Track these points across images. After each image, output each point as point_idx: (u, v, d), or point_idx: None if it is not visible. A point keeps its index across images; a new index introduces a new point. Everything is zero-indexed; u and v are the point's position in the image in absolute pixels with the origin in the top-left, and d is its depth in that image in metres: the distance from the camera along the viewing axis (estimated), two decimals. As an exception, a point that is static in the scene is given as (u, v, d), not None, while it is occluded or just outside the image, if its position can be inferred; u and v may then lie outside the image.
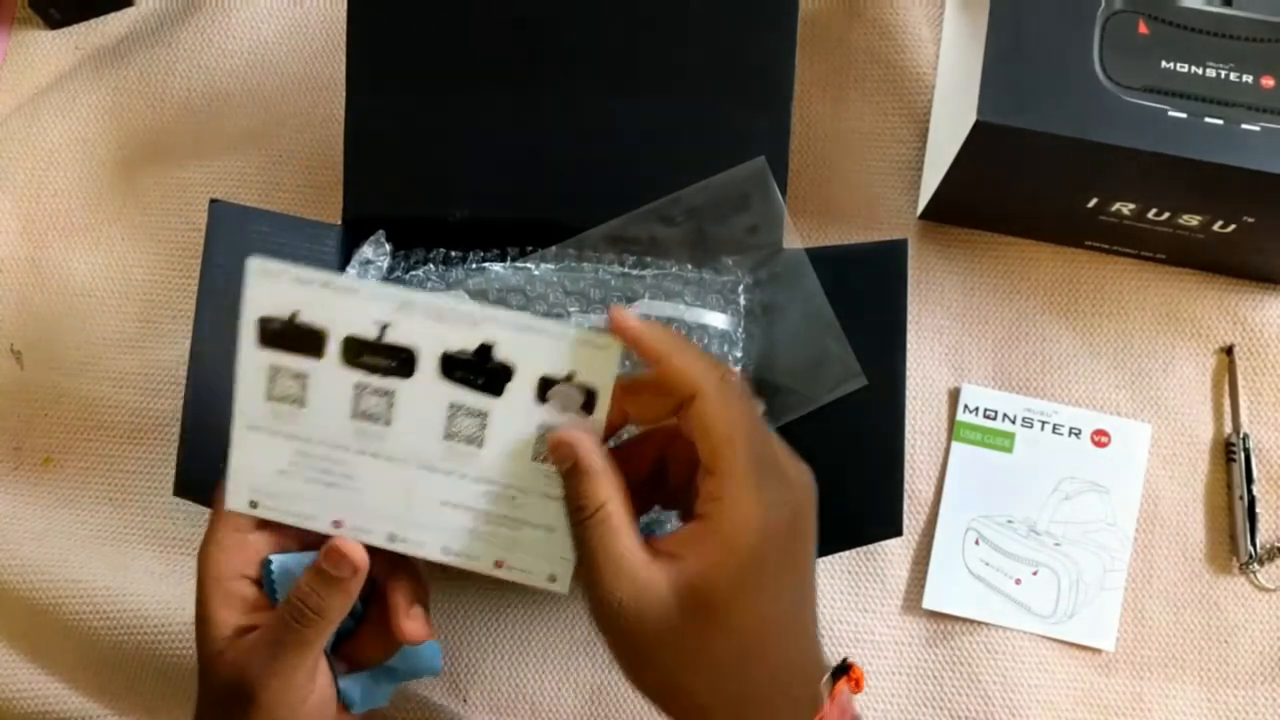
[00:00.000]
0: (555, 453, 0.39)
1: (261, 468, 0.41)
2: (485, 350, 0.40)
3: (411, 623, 0.42)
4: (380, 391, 0.40)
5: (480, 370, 0.40)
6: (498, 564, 0.41)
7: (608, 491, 0.38)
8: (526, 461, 0.40)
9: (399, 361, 0.40)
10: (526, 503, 0.41)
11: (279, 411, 0.41)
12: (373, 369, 0.40)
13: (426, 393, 0.40)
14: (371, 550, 0.41)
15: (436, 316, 0.40)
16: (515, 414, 0.40)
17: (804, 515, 0.38)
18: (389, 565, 0.43)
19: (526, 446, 0.40)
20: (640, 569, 0.37)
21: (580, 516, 0.38)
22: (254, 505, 0.42)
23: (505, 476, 0.41)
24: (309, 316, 0.40)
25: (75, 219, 0.65)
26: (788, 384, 0.53)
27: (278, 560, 0.42)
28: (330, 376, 0.40)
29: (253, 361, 0.41)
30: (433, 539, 0.41)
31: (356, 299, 0.40)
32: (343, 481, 0.41)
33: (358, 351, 0.40)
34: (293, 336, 0.40)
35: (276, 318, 0.40)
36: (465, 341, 0.40)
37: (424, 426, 0.41)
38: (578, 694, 0.57)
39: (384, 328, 0.40)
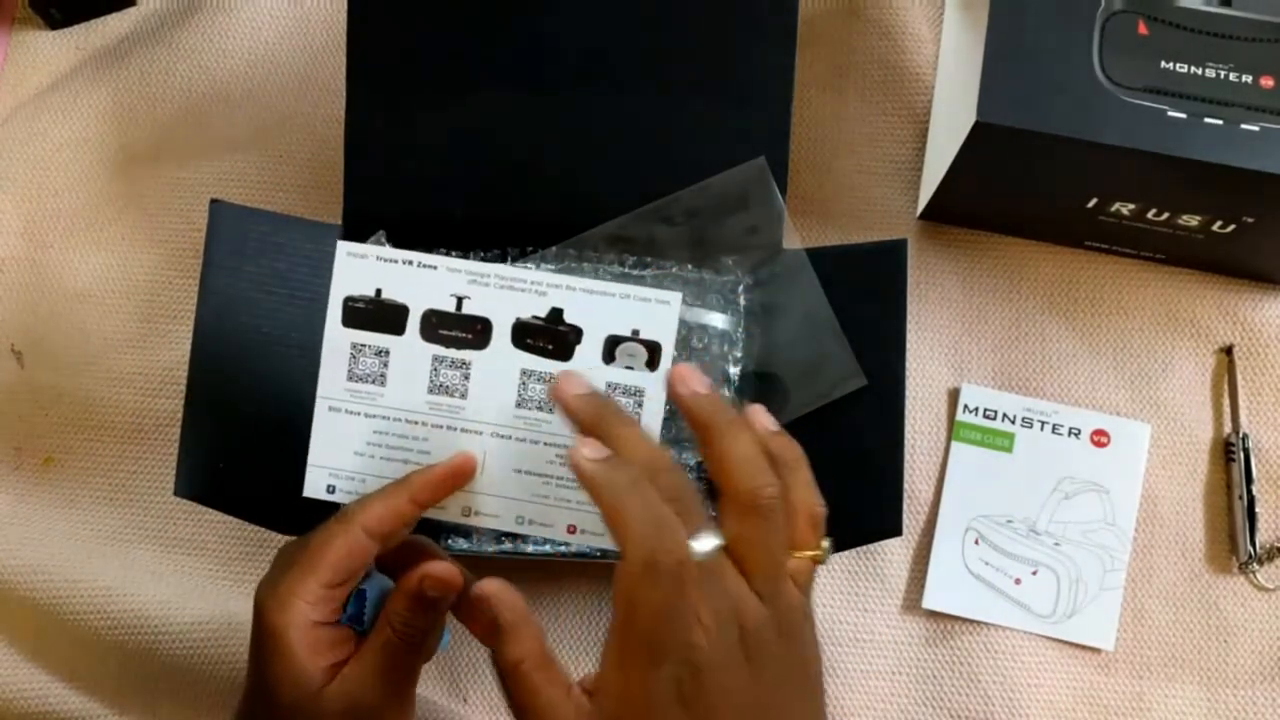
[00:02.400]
0: (479, 606, 0.39)
1: (340, 450, 0.44)
2: (557, 314, 0.43)
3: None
4: (456, 364, 0.43)
5: (550, 335, 0.43)
6: (570, 529, 0.44)
7: (525, 647, 0.38)
8: None
9: (474, 333, 0.43)
10: None
11: (358, 391, 0.44)
12: (449, 342, 0.43)
13: (500, 362, 0.43)
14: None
15: (509, 286, 0.43)
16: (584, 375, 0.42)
17: (695, 679, 0.36)
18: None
19: None
20: (563, 716, 0.38)
21: (500, 673, 0.39)
22: (331, 490, 0.44)
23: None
24: (392, 293, 0.43)
25: (75, 219, 0.65)
26: (788, 384, 0.53)
27: (373, 589, 0.43)
28: (410, 351, 0.44)
29: (337, 342, 0.44)
30: (507, 510, 0.43)
31: (436, 274, 0.43)
32: (419, 459, 0.44)
33: (436, 325, 0.43)
34: (376, 315, 0.43)
35: (361, 297, 0.43)
36: (536, 308, 0.43)
37: (498, 396, 0.43)
38: (578, 694, 0.57)
39: (461, 300, 0.43)
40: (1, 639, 0.59)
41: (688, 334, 0.54)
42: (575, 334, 0.43)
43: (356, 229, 0.55)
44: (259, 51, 0.66)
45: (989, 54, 0.49)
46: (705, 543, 0.37)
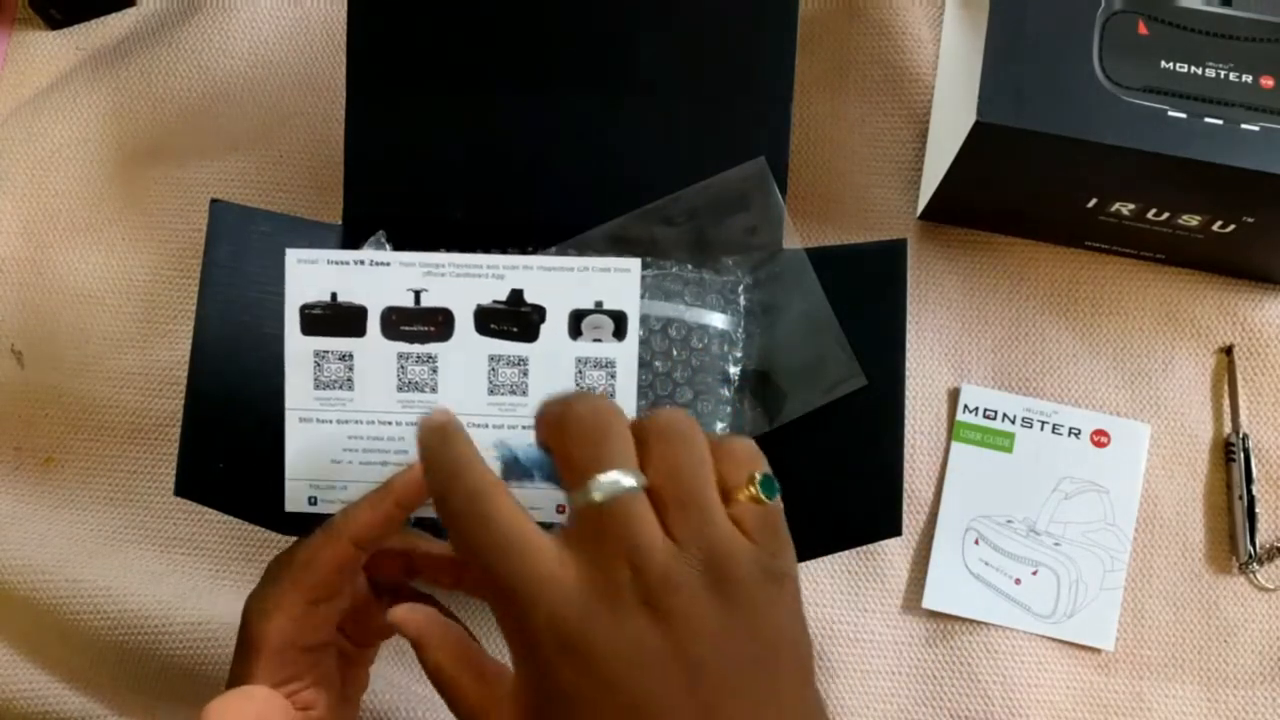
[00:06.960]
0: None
1: (316, 460, 0.43)
2: (517, 295, 0.42)
3: None
4: (422, 358, 0.42)
5: (514, 319, 0.42)
6: (560, 509, 0.43)
7: (439, 652, 0.35)
8: None
9: (436, 325, 0.42)
10: None
11: (327, 399, 0.43)
12: (412, 337, 0.42)
13: (466, 351, 0.42)
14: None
15: (465, 274, 0.42)
16: (552, 354, 0.42)
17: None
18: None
19: (569, 384, 0.42)
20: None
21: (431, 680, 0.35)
22: (313, 502, 0.43)
23: None
24: (348, 296, 0.42)
25: (75, 219, 0.65)
26: (788, 384, 0.53)
27: (521, 449, 0.41)
28: (374, 352, 0.42)
29: (299, 351, 0.43)
30: None
31: (390, 270, 0.42)
32: (397, 459, 0.43)
33: (397, 322, 0.42)
34: (335, 319, 0.42)
35: (318, 303, 0.42)
36: (496, 292, 0.42)
37: (468, 385, 0.42)
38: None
39: (419, 294, 0.42)
40: (1, 639, 0.59)
41: (688, 334, 0.54)
42: (538, 313, 0.42)
43: (356, 229, 0.55)
44: (259, 51, 0.66)
45: (989, 54, 0.49)
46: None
